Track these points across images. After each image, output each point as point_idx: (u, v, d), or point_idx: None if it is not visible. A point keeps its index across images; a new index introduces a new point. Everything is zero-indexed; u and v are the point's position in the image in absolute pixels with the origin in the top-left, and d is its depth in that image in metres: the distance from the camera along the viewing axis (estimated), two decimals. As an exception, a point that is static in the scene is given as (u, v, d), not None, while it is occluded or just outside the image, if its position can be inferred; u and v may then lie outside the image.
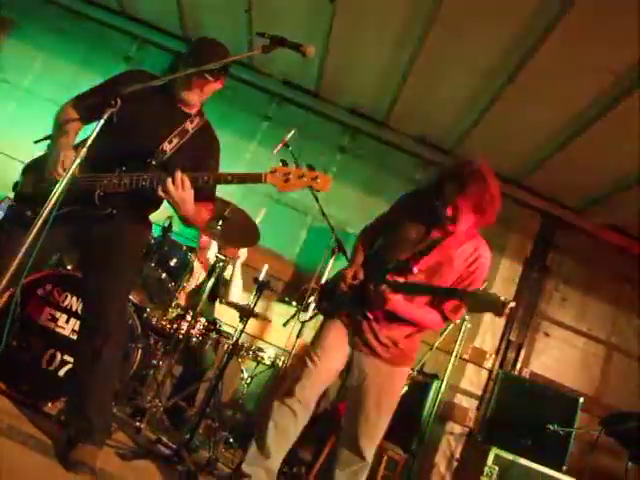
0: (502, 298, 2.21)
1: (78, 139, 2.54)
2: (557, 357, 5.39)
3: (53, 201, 1.96)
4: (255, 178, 2.30)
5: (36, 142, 2.63)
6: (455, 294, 2.52)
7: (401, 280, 2.57)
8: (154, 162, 2.43)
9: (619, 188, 4.87)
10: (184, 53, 2.63)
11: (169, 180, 2.29)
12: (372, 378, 2.65)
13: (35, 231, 1.95)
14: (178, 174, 2.29)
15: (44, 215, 1.94)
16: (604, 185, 4.96)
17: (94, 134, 2.09)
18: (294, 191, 2.35)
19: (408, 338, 2.70)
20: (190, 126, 2.61)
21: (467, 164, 2.61)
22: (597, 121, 4.22)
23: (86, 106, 2.57)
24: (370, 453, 2.63)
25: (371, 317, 2.67)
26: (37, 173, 2.48)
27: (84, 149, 2.08)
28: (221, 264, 3.58)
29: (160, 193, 2.32)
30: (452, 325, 3.96)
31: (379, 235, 2.91)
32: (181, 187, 2.29)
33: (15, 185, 2.58)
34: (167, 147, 2.52)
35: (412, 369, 3.48)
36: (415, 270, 2.56)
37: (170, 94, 2.56)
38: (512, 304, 2.20)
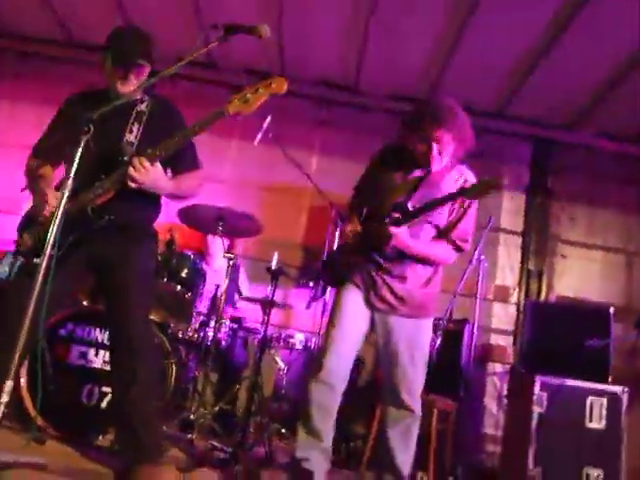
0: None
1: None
2: (579, 276, 5.39)
3: (52, 236, 1.96)
4: (218, 115, 2.34)
5: (23, 190, 2.61)
6: (456, 195, 2.47)
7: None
8: (125, 157, 2.39)
9: (601, 95, 4.80)
10: (105, 47, 2.54)
11: (130, 169, 2.29)
12: (398, 334, 2.64)
13: (42, 272, 1.96)
14: (134, 159, 2.30)
15: (47, 253, 1.95)
16: (585, 95, 4.89)
17: (75, 163, 2.09)
18: (258, 105, 2.35)
19: (424, 287, 2.69)
20: (142, 107, 2.59)
21: (432, 100, 2.76)
22: (562, 34, 4.17)
23: (48, 149, 2.60)
24: (416, 405, 2.63)
25: (383, 271, 2.65)
26: (32, 224, 2.47)
27: (69, 180, 2.07)
28: (231, 262, 3.59)
29: (131, 185, 2.32)
30: (470, 267, 3.96)
31: (363, 199, 2.90)
32: (143, 169, 2.30)
33: (17, 244, 2.57)
34: (131, 137, 2.51)
35: (440, 319, 3.48)
36: (410, 207, 2.55)
37: (112, 94, 2.50)
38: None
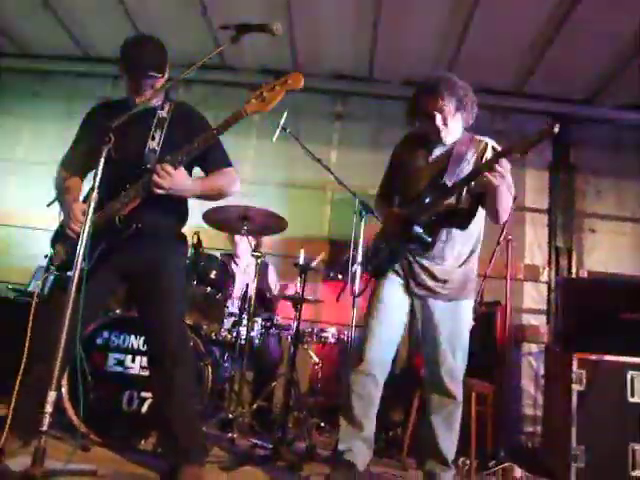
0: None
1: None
2: (609, 249, 5.32)
3: (81, 249, 2.01)
4: (237, 116, 2.36)
5: (49, 205, 2.66)
6: (503, 152, 2.43)
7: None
8: (149, 165, 2.41)
9: (620, 66, 4.73)
10: (120, 60, 2.55)
11: (154, 176, 2.31)
12: (438, 319, 2.64)
13: (75, 284, 2.00)
14: (157, 167, 2.32)
15: (77, 266, 2.00)
16: (604, 68, 4.83)
17: (99, 175, 2.13)
18: (276, 103, 2.37)
19: (462, 266, 2.69)
20: (163, 113, 2.61)
21: (427, 77, 2.74)
22: (578, 6, 4.10)
23: (75, 161, 2.63)
24: (459, 391, 2.63)
25: (421, 255, 2.66)
26: (63, 239, 2.52)
27: (94, 193, 2.12)
28: (259, 260, 3.61)
29: (156, 191, 2.35)
30: (498, 248, 3.92)
31: (393, 189, 2.92)
32: (167, 174, 2.32)
33: (50, 259, 2.62)
34: (153, 144, 2.52)
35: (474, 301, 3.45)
36: (449, 183, 2.57)
37: (131, 103, 2.53)
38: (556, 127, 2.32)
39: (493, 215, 2.61)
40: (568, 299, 4.00)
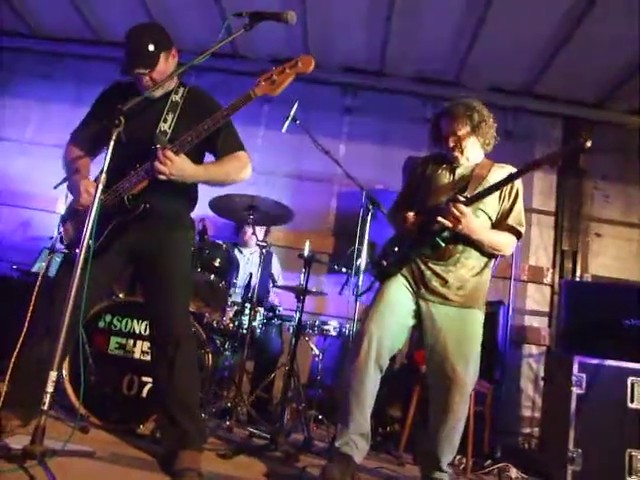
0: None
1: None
2: (614, 255, 5.30)
3: (89, 227, 2.01)
4: (246, 99, 2.32)
5: (56, 187, 2.66)
6: (533, 164, 2.51)
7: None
8: (159, 146, 2.37)
9: (633, 71, 4.69)
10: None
11: (156, 163, 2.30)
12: (447, 327, 2.61)
13: (81, 263, 2.01)
14: (159, 152, 2.29)
15: (84, 244, 2.01)
16: (616, 72, 4.80)
17: (108, 157, 2.13)
18: (286, 86, 2.32)
19: (476, 277, 2.67)
20: (176, 97, 2.59)
21: (452, 101, 2.82)
22: (593, 9, 4.07)
23: (85, 138, 2.63)
24: (465, 408, 2.60)
25: (434, 262, 2.65)
26: (72, 217, 2.54)
27: (103, 175, 2.12)
28: (264, 251, 3.62)
29: (159, 177, 2.33)
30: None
31: (412, 202, 2.90)
32: (168, 160, 2.29)
33: (57, 239, 2.62)
34: (165, 127, 2.51)
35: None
36: (468, 195, 2.60)
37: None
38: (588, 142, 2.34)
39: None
40: (571, 302, 4.00)
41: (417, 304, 2.68)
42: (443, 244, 2.62)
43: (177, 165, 2.33)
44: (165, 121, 2.52)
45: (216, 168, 2.56)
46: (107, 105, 2.48)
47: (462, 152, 2.75)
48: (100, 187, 2.09)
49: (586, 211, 5.39)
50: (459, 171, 2.78)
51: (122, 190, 2.42)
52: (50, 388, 1.93)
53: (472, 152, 2.77)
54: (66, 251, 2.53)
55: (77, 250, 2.05)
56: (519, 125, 5.41)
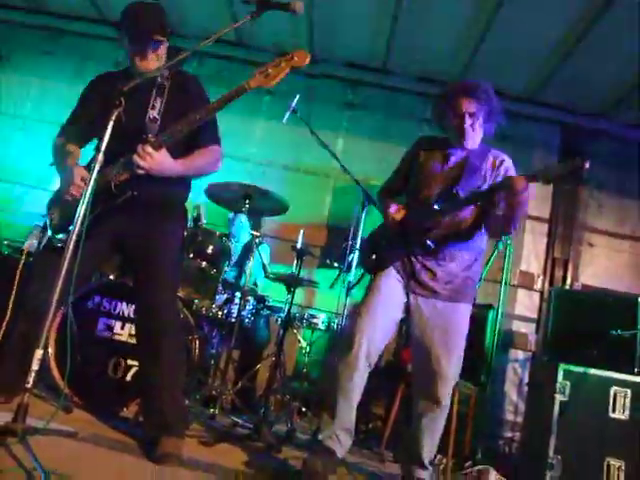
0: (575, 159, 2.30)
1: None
2: (606, 265, 5.32)
3: (81, 212, 1.99)
4: (239, 90, 2.32)
5: (51, 164, 2.64)
6: (528, 180, 2.41)
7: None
8: (150, 134, 2.39)
9: (635, 85, 4.71)
10: (120, 26, 2.52)
11: (134, 157, 2.30)
12: (434, 320, 2.62)
13: (71, 247, 1.99)
14: (139, 147, 2.30)
15: (75, 229, 1.99)
16: (618, 85, 4.82)
17: (106, 137, 2.11)
18: (280, 79, 2.34)
19: (466, 270, 2.68)
20: (163, 81, 2.58)
21: (466, 79, 2.84)
22: (597, 22, 4.09)
23: (75, 129, 2.61)
24: (447, 398, 2.62)
25: (424, 256, 2.66)
26: (59, 203, 2.52)
27: (100, 154, 2.10)
28: (257, 240, 3.61)
29: (138, 172, 2.34)
30: (496, 253, 3.94)
31: (398, 192, 2.93)
32: (148, 155, 2.30)
33: (48, 224, 2.60)
34: (154, 113, 2.50)
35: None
36: (461, 194, 2.59)
37: (135, 72, 2.50)
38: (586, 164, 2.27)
39: (508, 223, 2.60)
40: (560, 309, 4.02)
41: (406, 296, 2.69)
42: (433, 246, 2.62)
43: (156, 160, 2.33)
44: (153, 107, 2.52)
45: (190, 163, 2.54)
46: (97, 95, 2.49)
47: (472, 136, 2.70)
48: (96, 169, 2.07)
49: (580, 220, 5.40)
50: (453, 159, 2.75)
51: (110, 176, 2.40)
52: (35, 366, 1.92)
53: (478, 137, 2.74)
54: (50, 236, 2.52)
55: (59, 236, 2.04)
56: (518, 130, 5.41)
